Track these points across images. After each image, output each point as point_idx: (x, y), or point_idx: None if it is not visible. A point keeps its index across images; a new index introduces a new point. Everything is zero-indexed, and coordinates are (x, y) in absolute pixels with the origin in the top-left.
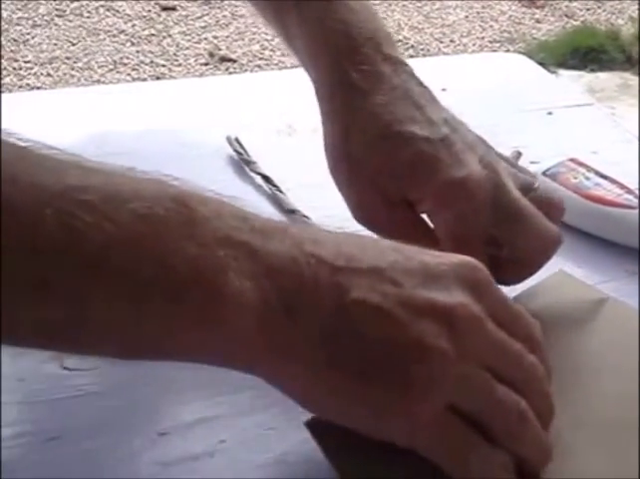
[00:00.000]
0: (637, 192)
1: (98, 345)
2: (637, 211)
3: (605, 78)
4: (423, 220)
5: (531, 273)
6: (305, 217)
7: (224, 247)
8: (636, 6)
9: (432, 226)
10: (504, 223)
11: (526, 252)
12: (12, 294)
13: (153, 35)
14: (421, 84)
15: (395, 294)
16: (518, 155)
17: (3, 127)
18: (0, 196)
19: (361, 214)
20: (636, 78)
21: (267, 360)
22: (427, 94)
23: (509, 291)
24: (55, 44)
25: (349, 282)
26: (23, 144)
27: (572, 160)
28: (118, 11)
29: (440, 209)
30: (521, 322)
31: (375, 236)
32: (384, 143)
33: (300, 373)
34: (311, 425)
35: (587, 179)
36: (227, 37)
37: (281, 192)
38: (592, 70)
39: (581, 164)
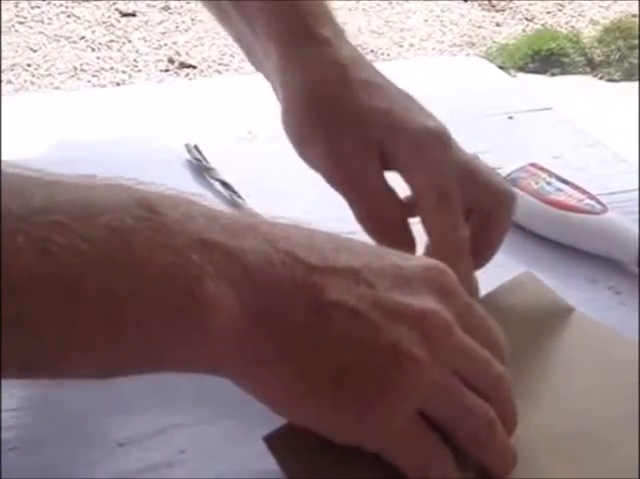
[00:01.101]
0: (598, 197)
1: (78, 370)
2: (598, 216)
3: (566, 81)
4: (394, 190)
5: (500, 238)
6: None
7: (199, 251)
8: (596, 9)
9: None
10: (468, 184)
11: (493, 209)
12: None
13: (112, 41)
14: None
15: (370, 297)
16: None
17: None
18: None
19: (332, 162)
20: (597, 81)
21: (238, 366)
22: None
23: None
24: (16, 51)
25: (324, 283)
26: None
27: (533, 165)
28: (78, 17)
29: (417, 159)
30: (486, 329)
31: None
32: (359, 88)
33: (270, 379)
34: (269, 440)
35: (548, 184)
36: (187, 43)
37: (240, 197)
38: (553, 74)
39: (542, 169)
